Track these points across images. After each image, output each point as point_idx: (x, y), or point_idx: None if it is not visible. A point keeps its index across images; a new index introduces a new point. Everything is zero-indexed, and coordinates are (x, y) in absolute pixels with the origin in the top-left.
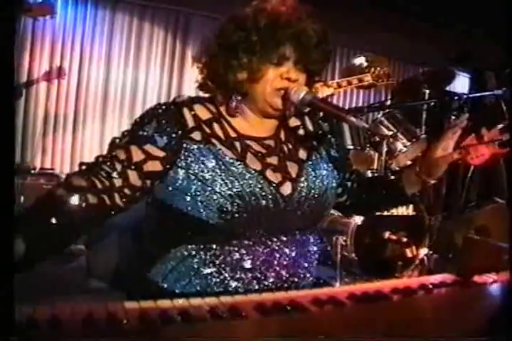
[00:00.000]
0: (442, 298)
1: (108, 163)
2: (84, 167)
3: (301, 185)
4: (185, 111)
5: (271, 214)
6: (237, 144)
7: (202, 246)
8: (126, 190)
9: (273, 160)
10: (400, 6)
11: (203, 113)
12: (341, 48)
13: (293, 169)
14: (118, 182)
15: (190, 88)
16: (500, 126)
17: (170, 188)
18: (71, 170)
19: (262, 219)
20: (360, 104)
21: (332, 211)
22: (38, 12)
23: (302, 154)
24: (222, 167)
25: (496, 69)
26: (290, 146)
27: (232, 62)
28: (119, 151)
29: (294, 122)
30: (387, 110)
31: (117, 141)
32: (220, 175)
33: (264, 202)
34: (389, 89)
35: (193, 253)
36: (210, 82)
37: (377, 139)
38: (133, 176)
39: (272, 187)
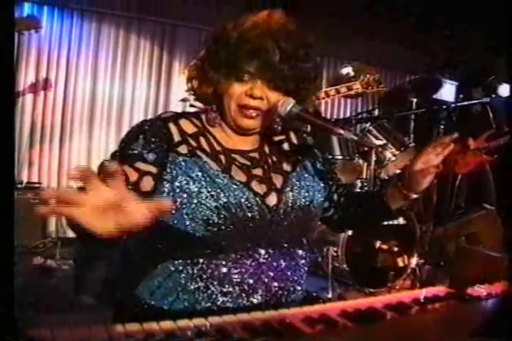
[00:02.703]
0: (436, 313)
1: None
2: None
3: (287, 195)
4: (171, 125)
5: (257, 225)
6: (222, 157)
7: (189, 261)
8: None
9: (258, 171)
10: (387, 14)
11: (189, 127)
12: (328, 58)
13: (278, 180)
14: None
15: (177, 99)
16: (486, 134)
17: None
18: (58, 184)
19: (249, 230)
20: (347, 113)
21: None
22: (24, 26)
23: (286, 166)
24: (208, 179)
25: (481, 77)
26: (274, 159)
27: (203, 75)
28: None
29: (278, 136)
30: (374, 120)
31: (107, 163)
32: (206, 187)
33: (249, 213)
34: (378, 97)
35: (180, 268)
36: (190, 90)
37: (366, 149)
38: None
39: (257, 198)
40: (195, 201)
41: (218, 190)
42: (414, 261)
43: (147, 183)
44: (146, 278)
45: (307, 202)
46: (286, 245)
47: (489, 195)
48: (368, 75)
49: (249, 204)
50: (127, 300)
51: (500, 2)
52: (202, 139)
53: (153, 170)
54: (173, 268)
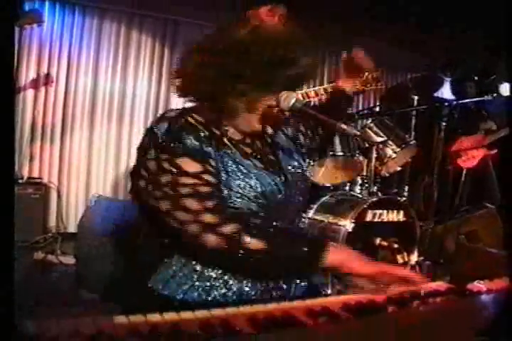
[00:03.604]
0: (437, 307)
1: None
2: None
3: (285, 166)
4: (191, 120)
5: (282, 204)
6: (243, 147)
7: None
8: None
9: (264, 158)
10: (388, 13)
11: (201, 122)
12: (329, 56)
13: (273, 157)
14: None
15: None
16: (485, 127)
17: None
18: (59, 179)
19: (278, 211)
20: (349, 110)
21: (322, 218)
22: (26, 21)
23: (269, 144)
24: (244, 171)
25: (480, 76)
26: (271, 144)
27: (228, 87)
28: (205, 175)
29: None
30: (376, 116)
31: (174, 164)
32: (243, 179)
33: (279, 194)
34: (379, 94)
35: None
36: (194, 100)
37: (367, 145)
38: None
39: (277, 179)
40: (234, 193)
41: (255, 180)
42: (414, 258)
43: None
44: (160, 268)
45: (299, 166)
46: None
47: (492, 193)
48: (366, 73)
49: (278, 188)
50: (138, 293)
51: (500, 2)
52: (216, 132)
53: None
54: (189, 258)
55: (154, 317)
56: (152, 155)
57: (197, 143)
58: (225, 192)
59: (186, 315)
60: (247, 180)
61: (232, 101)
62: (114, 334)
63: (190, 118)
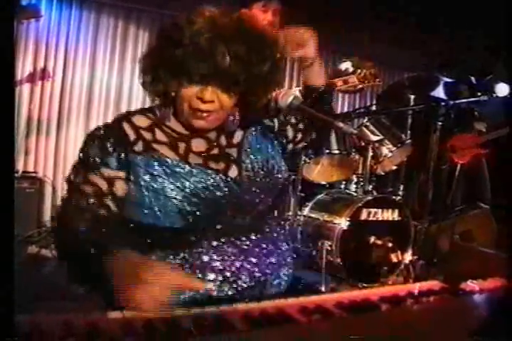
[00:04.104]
0: (430, 306)
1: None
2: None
3: (245, 162)
4: (125, 125)
5: (229, 199)
6: (178, 144)
7: (171, 252)
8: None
9: (215, 151)
10: (387, 12)
11: (142, 122)
12: (326, 53)
13: (234, 152)
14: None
15: None
16: (479, 127)
17: (127, 205)
18: (54, 174)
19: (223, 206)
20: (345, 109)
21: (318, 216)
22: (23, 15)
23: (237, 137)
24: (168, 171)
25: (476, 76)
26: (226, 133)
27: (153, 71)
28: (85, 186)
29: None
30: (372, 115)
31: (72, 177)
32: (169, 180)
33: (218, 191)
34: (376, 91)
35: (162, 259)
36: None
37: (363, 144)
38: (111, 204)
39: (219, 175)
40: (162, 197)
41: (182, 180)
42: (407, 257)
43: (120, 188)
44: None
45: (267, 164)
46: (267, 230)
47: (484, 193)
48: (364, 70)
49: (215, 183)
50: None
51: (499, 2)
52: (157, 130)
53: (121, 174)
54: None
55: None
56: None
57: (98, 153)
58: (150, 194)
59: (180, 311)
60: (171, 180)
61: (157, 86)
62: (108, 329)
63: (124, 122)
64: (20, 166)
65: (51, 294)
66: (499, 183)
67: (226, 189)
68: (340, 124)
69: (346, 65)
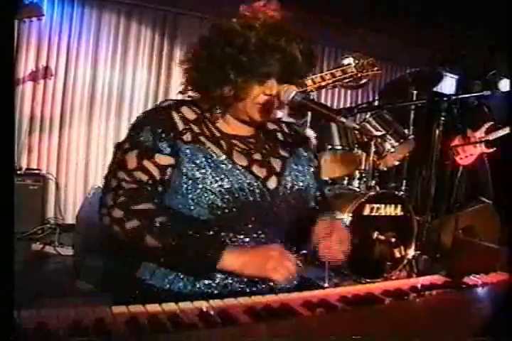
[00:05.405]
0: (433, 301)
1: (140, 190)
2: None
3: (286, 179)
4: (174, 113)
5: (258, 208)
6: (223, 143)
7: None
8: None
9: (257, 156)
10: (390, 7)
11: (190, 114)
12: (329, 48)
13: (277, 164)
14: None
15: (177, 88)
16: (485, 126)
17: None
18: (57, 171)
19: (250, 213)
20: (348, 105)
21: None
22: (25, 14)
23: (283, 152)
24: (212, 165)
25: (480, 71)
26: (271, 144)
27: (218, 76)
28: (138, 173)
29: (271, 125)
30: (375, 110)
31: (122, 155)
32: (211, 173)
33: (251, 196)
34: (378, 86)
35: None
36: (192, 90)
37: (366, 140)
38: (162, 190)
39: (258, 182)
40: (200, 186)
41: (222, 176)
42: (410, 252)
43: (168, 173)
44: (148, 259)
45: (303, 186)
46: (284, 228)
47: (487, 188)
48: (361, 60)
49: (251, 188)
50: (129, 283)
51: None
52: (203, 126)
53: (172, 161)
54: None
55: (153, 307)
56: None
57: (150, 137)
58: (189, 182)
59: (185, 305)
60: (214, 174)
61: (222, 89)
62: (113, 324)
63: (173, 111)
64: (23, 163)
65: (54, 290)
66: (501, 178)
67: (260, 197)
68: (343, 119)
69: (348, 61)
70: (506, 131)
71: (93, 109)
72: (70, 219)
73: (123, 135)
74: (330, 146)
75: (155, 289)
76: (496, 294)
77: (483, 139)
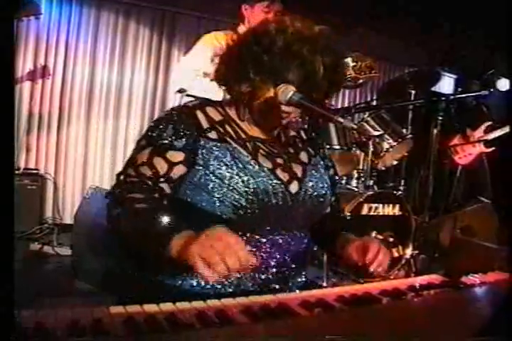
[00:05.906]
0: (431, 300)
1: (139, 182)
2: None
3: (307, 184)
4: (198, 113)
5: (279, 210)
6: (249, 144)
7: None
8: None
9: (280, 160)
10: (389, 7)
11: (215, 115)
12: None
13: (298, 169)
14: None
15: (175, 88)
16: (484, 125)
17: (187, 184)
18: (55, 170)
19: (271, 215)
20: (346, 104)
21: None
22: (23, 13)
23: (303, 157)
24: (239, 165)
25: (478, 71)
26: (291, 150)
27: (240, 72)
28: (144, 168)
29: (290, 132)
30: (373, 110)
31: (136, 153)
32: (238, 173)
33: (274, 199)
34: (376, 85)
35: None
36: (218, 83)
37: (364, 139)
38: (165, 186)
39: (282, 185)
40: (225, 185)
41: (249, 176)
42: (408, 251)
43: (177, 171)
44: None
45: (322, 192)
46: (299, 230)
47: (485, 188)
48: (359, 62)
49: (275, 191)
50: (137, 281)
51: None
52: (228, 127)
53: (182, 157)
54: None
55: (151, 307)
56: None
57: (170, 135)
58: (215, 180)
59: (183, 305)
60: (241, 174)
61: (240, 86)
62: (111, 324)
63: (198, 110)
64: (21, 163)
65: (53, 290)
66: (500, 178)
67: (282, 200)
68: (340, 119)
69: (347, 60)
70: (505, 130)
71: (91, 108)
72: (68, 219)
73: (121, 134)
74: (328, 146)
75: (166, 287)
76: (494, 294)
77: (481, 139)
